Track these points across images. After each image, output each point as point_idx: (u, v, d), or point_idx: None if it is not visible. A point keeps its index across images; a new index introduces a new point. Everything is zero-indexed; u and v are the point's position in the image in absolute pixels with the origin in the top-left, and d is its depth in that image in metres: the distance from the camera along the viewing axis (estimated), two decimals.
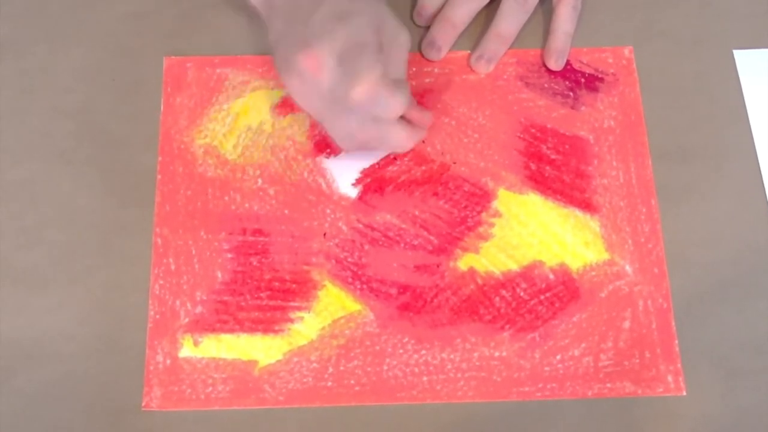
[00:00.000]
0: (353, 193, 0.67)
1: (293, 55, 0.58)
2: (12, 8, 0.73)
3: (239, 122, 0.69)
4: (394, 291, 0.64)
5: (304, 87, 0.59)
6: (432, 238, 0.65)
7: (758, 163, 0.68)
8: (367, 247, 0.65)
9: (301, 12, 0.59)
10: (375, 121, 0.61)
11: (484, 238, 0.66)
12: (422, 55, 0.71)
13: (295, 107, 0.68)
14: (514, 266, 0.65)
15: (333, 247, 0.65)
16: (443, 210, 0.66)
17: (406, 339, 0.63)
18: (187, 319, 0.63)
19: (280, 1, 0.62)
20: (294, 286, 0.64)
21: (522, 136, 0.69)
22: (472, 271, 0.65)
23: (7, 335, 0.63)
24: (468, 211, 0.66)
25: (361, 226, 0.66)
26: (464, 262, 0.65)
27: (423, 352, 0.63)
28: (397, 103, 0.59)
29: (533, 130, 0.69)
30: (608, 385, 0.62)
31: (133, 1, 0.73)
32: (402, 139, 0.64)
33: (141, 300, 0.64)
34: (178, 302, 0.63)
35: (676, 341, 0.63)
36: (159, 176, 0.67)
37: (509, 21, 0.70)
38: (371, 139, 0.63)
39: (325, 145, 0.68)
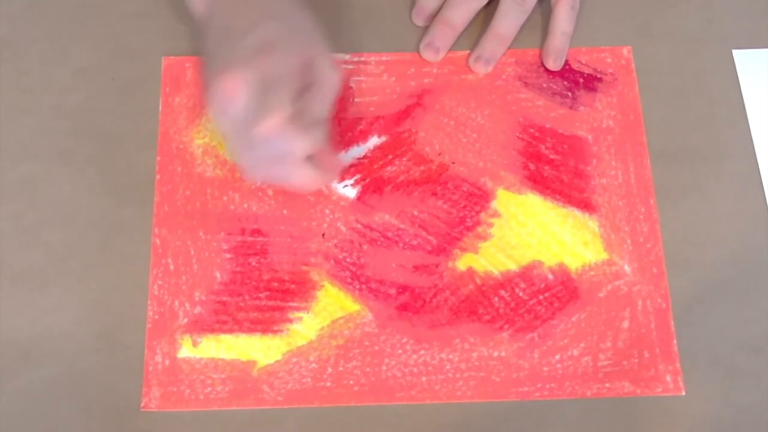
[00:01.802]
0: (352, 193, 0.67)
1: (213, 77, 0.57)
2: (12, 8, 0.73)
3: None
4: (393, 291, 0.64)
5: (220, 109, 0.58)
6: (431, 238, 0.65)
7: (757, 163, 0.68)
8: (365, 247, 0.65)
9: (233, 35, 0.59)
10: (280, 158, 0.60)
11: (483, 238, 0.66)
12: (421, 56, 0.71)
13: None
14: (513, 266, 0.65)
15: (332, 247, 0.65)
16: (442, 210, 0.66)
17: (405, 339, 0.63)
18: (186, 320, 0.63)
19: (219, 15, 0.62)
20: (293, 286, 0.64)
21: (521, 136, 0.69)
22: (470, 271, 0.65)
23: (7, 335, 0.63)
24: (467, 211, 0.66)
25: (359, 226, 0.66)
26: (463, 262, 0.65)
27: (422, 352, 0.63)
28: (301, 146, 0.58)
29: (532, 130, 0.69)
30: (607, 384, 0.62)
31: (133, 1, 0.73)
32: (307, 181, 0.63)
33: (140, 300, 0.64)
34: (176, 303, 0.63)
35: (675, 341, 0.63)
36: (158, 176, 0.67)
37: (508, 21, 0.70)
38: (275, 174, 0.62)
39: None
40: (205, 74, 0.60)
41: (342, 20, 0.72)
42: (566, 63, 0.71)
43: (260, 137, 0.57)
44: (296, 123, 0.57)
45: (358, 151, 0.68)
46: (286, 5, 0.62)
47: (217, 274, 0.64)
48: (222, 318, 0.63)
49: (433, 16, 0.71)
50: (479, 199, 0.67)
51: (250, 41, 0.58)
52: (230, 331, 0.63)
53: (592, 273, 0.65)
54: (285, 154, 0.59)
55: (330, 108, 0.62)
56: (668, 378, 0.62)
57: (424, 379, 0.62)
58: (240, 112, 0.57)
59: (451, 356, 0.63)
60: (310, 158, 0.61)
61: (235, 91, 0.56)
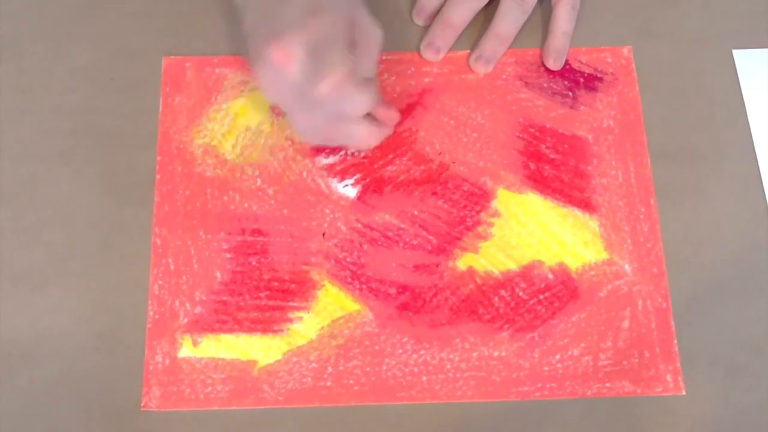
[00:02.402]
0: (352, 192, 0.67)
1: (264, 45, 0.57)
2: (12, 8, 0.73)
3: (238, 122, 0.69)
4: (393, 291, 0.64)
5: (273, 78, 0.58)
6: (431, 237, 0.65)
7: (757, 163, 0.68)
8: (366, 246, 0.65)
9: (275, 4, 0.59)
10: (340, 117, 0.61)
11: (483, 237, 0.66)
12: (421, 56, 0.71)
13: None
14: (513, 266, 0.65)
15: (332, 247, 0.65)
16: (442, 210, 0.66)
17: (405, 339, 0.63)
18: (186, 320, 0.63)
19: None
20: (293, 286, 0.64)
21: (521, 135, 0.69)
22: (471, 271, 0.65)
23: (7, 335, 0.63)
24: (467, 210, 0.66)
25: (360, 225, 0.66)
26: (463, 261, 0.65)
27: (422, 351, 0.63)
28: (363, 101, 0.59)
29: (532, 130, 0.69)
30: (607, 384, 0.62)
31: (133, 1, 0.73)
32: (366, 137, 0.64)
33: (140, 300, 0.64)
34: (177, 302, 0.63)
35: (675, 341, 0.63)
36: (158, 176, 0.67)
37: (508, 21, 0.70)
38: (335, 134, 0.63)
39: (324, 146, 0.68)
40: (251, 50, 0.60)
41: None
42: (566, 63, 0.71)
43: (322, 97, 0.57)
44: (354, 80, 0.58)
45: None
46: None
47: (218, 274, 0.64)
48: (222, 318, 0.63)
49: (434, 16, 0.71)
50: (479, 198, 0.67)
51: (293, 7, 0.58)
52: (230, 330, 0.63)
53: (593, 273, 0.65)
54: (346, 113, 0.60)
55: (377, 66, 0.63)
56: (668, 378, 0.62)
57: (424, 378, 0.62)
58: (297, 76, 0.57)
59: (451, 356, 0.63)
60: (367, 115, 0.62)
61: (290, 56, 0.56)
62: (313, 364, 0.62)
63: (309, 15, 0.57)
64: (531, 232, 0.66)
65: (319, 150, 0.68)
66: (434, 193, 0.67)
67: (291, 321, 0.63)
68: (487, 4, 0.71)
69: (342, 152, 0.68)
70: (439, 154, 0.68)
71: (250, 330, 0.63)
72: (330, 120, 0.61)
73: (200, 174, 0.67)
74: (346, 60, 0.57)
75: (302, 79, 0.57)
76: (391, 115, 0.66)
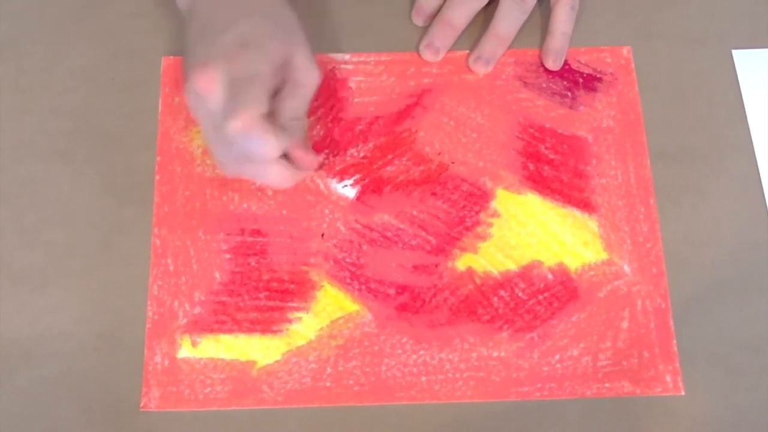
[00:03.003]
0: (351, 193, 0.67)
1: (192, 69, 0.57)
2: (12, 8, 0.73)
3: None
4: (392, 291, 0.64)
5: (196, 103, 0.58)
6: (430, 238, 0.65)
7: (756, 163, 0.68)
8: (365, 247, 0.65)
9: (214, 28, 0.59)
10: (252, 157, 0.59)
11: (483, 238, 0.66)
12: (420, 56, 0.71)
13: None
14: (512, 266, 0.65)
15: (331, 247, 0.65)
16: (441, 210, 0.66)
17: (405, 339, 0.63)
18: (185, 320, 0.63)
19: (200, 10, 0.62)
20: (292, 286, 0.64)
21: (520, 135, 0.69)
22: (470, 271, 0.65)
23: (7, 335, 0.63)
24: (466, 210, 0.66)
25: (359, 226, 0.66)
26: (462, 262, 0.65)
27: (421, 352, 0.63)
28: (269, 146, 0.58)
29: (532, 130, 0.69)
30: (607, 384, 0.62)
31: (133, 1, 0.73)
32: (277, 179, 0.62)
33: (140, 300, 0.64)
34: (176, 303, 0.63)
35: (675, 341, 0.63)
36: (157, 176, 0.67)
37: (507, 21, 0.70)
38: (247, 171, 0.62)
39: (323, 146, 0.68)
40: (184, 68, 0.60)
41: (342, 20, 0.72)
42: (566, 63, 0.71)
43: (230, 135, 0.57)
44: (268, 122, 0.57)
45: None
46: (270, 3, 0.62)
47: (217, 275, 0.64)
48: (221, 318, 0.63)
49: (433, 16, 0.71)
50: (479, 198, 0.67)
51: (227, 37, 0.58)
52: (230, 331, 0.63)
53: (592, 273, 0.65)
54: (255, 153, 0.59)
55: (308, 107, 0.62)
56: (668, 378, 0.62)
57: (423, 379, 0.62)
58: (214, 108, 0.57)
59: (450, 356, 0.63)
60: (284, 156, 0.61)
61: (209, 87, 0.56)
62: (313, 365, 0.62)
63: (237, 48, 0.57)
64: (530, 232, 0.66)
65: (318, 150, 0.67)
66: (433, 194, 0.67)
67: (290, 321, 0.63)
68: (487, 5, 0.71)
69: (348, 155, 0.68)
70: (439, 154, 0.68)
71: (250, 330, 0.63)
72: (242, 156, 0.60)
73: (200, 174, 0.67)
74: (259, 101, 0.57)
75: (219, 112, 0.57)
76: (310, 159, 0.64)
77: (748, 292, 0.64)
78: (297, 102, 0.61)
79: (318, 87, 0.62)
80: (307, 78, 0.61)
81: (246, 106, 0.56)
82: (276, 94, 0.59)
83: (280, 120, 0.59)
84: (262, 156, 0.59)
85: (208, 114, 0.58)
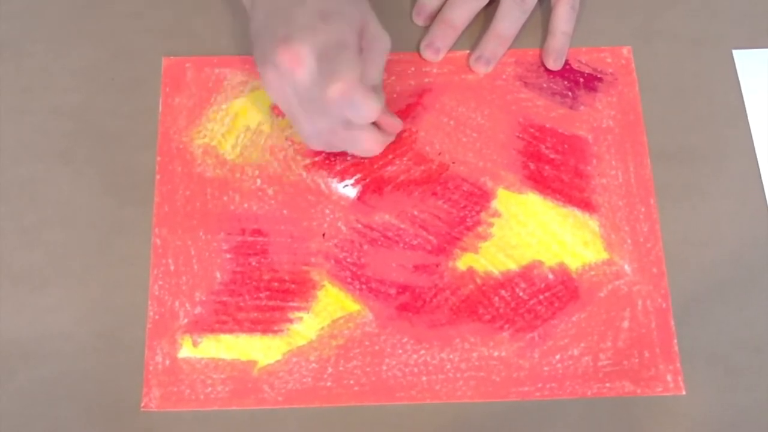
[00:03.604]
0: (352, 193, 0.67)
1: (272, 48, 0.57)
2: (12, 8, 0.73)
3: (238, 122, 0.69)
4: (393, 291, 0.64)
5: (280, 81, 0.58)
6: (431, 238, 0.65)
7: (757, 163, 0.68)
8: (366, 247, 0.65)
9: (285, 6, 0.59)
10: (346, 124, 0.60)
11: (483, 237, 0.66)
12: (421, 56, 0.71)
13: None
14: (513, 266, 0.65)
15: (332, 247, 0.65)
16: (442, 210, 0.66)
17: (405, 339, 0.63)
18: (186, 320, 0.63)
19: None
20: (293, 286, 0.64)
21: (521, 135, 0.69)
22: (471, 271, 0.65)
23: (7, 335, 0.63)
24: (467, 210, 0.66)
25: (360, 226, 0.66)
26: (463, 261, 0.65)
27: (422, 352, 0.63)
28: (371, 108, 0.58)
29: (532, 130, 0.69)
30: (607, 384, 0.62)
31: (132, 1, 0.73)
32: (370, 145, 0.64)
33: (140, 300, 0.64)
34: (177, 303, 0.63)
35: (675, 341, 0.63)
36: (158, 176, 0.67)
37: (508, 21, 0.70)
38: (339, 140, 0.63)
39: (325, 150, 0.68)
40: (257, 51, 0.60)
41: None
42: (566, 63, 0.71)
43: (329, 103, 0.57)
44: (362, 86, 0.57)
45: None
46: None
47: (218, 274, 0.64)
48: (222, 318, 0.63)
49: (434, 16, 0.72)
50: (479, 198, 0.67)
51: (304, 11, 0.58)
52: (230, 331, 0.63)
53: (593, 273, 0.65)
54: (350, 120, 0.59)
55: (383, 71, 0.62)
56: (668, 378, 0.62)
57: (424, 378, 0.62)
58: (306, 80, 0.57)
59: (451, 356, 0.63)
60: (372, 123, 0.62)
61: (299, 60, 0.56)
62: (313, 365, 0.62)
63: (320, 19, 0.57)
64: (531, 232, 0.66)
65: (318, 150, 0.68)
66: (434, 194, 0.67)
67: (291, 321, 0.63)
68: (487, 5, 0.71)
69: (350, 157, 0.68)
70: (439, 154, 0.68)
71: (250, 330, 0.63)
72: (335, 126, 0.61)
73: (200, 174, 0.67)
74: (355, 66, 0.57)
75: (310, 84, 0.57)
76: (395, 123, 0.66)
77: (749, 292, 0.65)
78: (375, 67, 0.61)
79: (389, 51, 0.62)
80: (382, 42, 0.61)
81: (342, 72, 0.56)
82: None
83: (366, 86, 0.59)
84: (364, 118, 0.59)
85: (296, 89, 0.58)
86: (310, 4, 0.58)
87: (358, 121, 0.60)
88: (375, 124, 0.63)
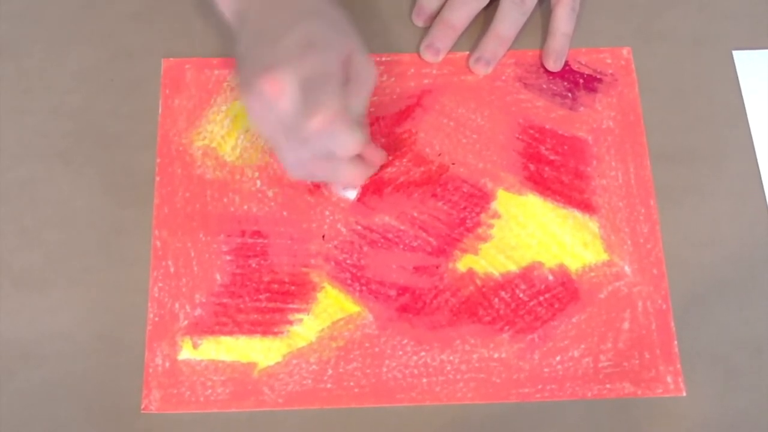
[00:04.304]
0: (352, 194, 0.67)
1: (256, 75, 0.56)
2: (11, 8, 0.73)
3: (238, 124, 0.69)
4: (393, 293, 0.64)
5: (262, 109, 0.57)
6: (431, 239, 0.65)
7: (757, 164, 0.68)
8: (366, 248, 0.65)
9: (272, 32, 0.58)
10: (328, 155, 0.60)
11: (483, 239, 0.66)
12: (421, 57, 0.71)
13: None
14: (513, 267, 0.65)
15: (332, 248, 0.65)
16: (442, 211, 0.66)
17: (406, 341, 0.63)
18: (186, 322, 0.63)
19: (253, 16, 0.61)
20: (293, 288, 0.64)
21: (521, 137, 0.69)
22: (471, 273, 0.65)
23: (7, 335, 0.63)
24: (467, 212, 0.66)
25: (360, 227, 0.66)
26: (463, 263, 0.65)
27: (422, 353, 0.63)
28: (353, 141, 0.58)
29: (532, 131, 0.69)
30: (608, 386, 0.62)
31: (132, 2, 0.73)
32: (352, 177, 0.63)
33: (140, 301, 0.64)
34: (177, 305, 0.63)
35: (676, 342, 0.63)
36: (157, 178, 0.67)
37: (508, 22, 0.70)
38: (321, 171, 0.62)
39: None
40: (241, 76, 0.60)
41: None
42: (566, 64, 0.71)
43: (311, 134, 0.57)
44: (345, 118, 0.57)
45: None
46: (321, 3, 0.62)
47: (218, 276, 0.64)
48: (222, 320, 0.63)
49: (434, 17, 0.71)
50: (479, 200, 0.67)
51: (290, 39, 0.57)
52: (230, 333, 0.63)
53: (593, 274, 0.65)
54: (333, 151, 0.59)
55: (368, 103, 0.62)
56: (669, 379, 0.62)
57: (424, 380, 0.62)
58: (288, 110, 0.56)
59: (451, 357, 0.63)
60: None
61: (281, 90, 0.55)
62: (313, 366, 0.62)
63: (304, 49, 0.57)
64: (531, 233, 0.66)
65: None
66: (434, 195, 0.67)
67: (291, 323, 0.63)
68: (487, 6, 0.71)
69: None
70: (439, 155, 0.68)
71: (250, 332, 0.63)
72: (317, 157, 0.60)
73: (200, 176, 0.67)
74: (338, 98, 0.56)
75: (293, 114, 0.56)
76: (378, 155, 0.65)
77: (749, 292, 0.65)
78: (360, 99, 0.60)
79: (375, 83, 0.62)
80: (368, 74, 0.61)
81: (324, 104, 0.56)
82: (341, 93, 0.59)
83: (348, 118, 0.59)
84: (346, 151, 0.59)
85: (278, 118, 0.57)
86: (297, 32, 0.57)
87: (340, 154, 0.59)
88: (358, 155, 0.62)
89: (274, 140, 0.60)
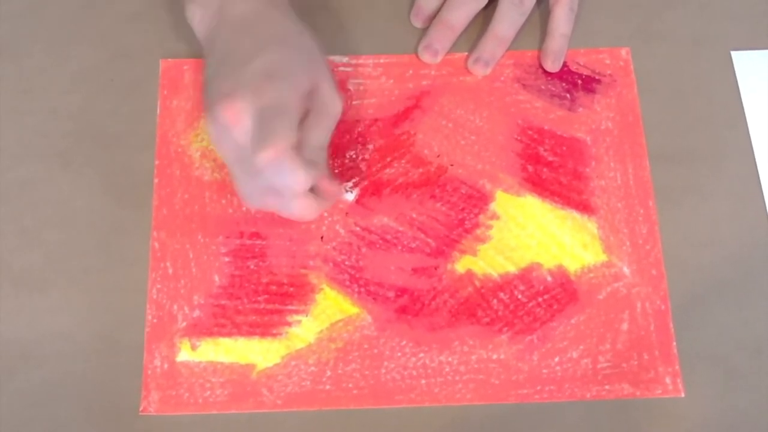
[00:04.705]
0: (350, 196, 0.67)
1: (216, 101, 0.56)
2: (11, 8, 0.73)
3: None
4: (391, 294, 0.64)
5: (220, 136, 0.57)
6: (429, 240, 0.65)
7: (756, 164, 0.68)
8: (364, 250, 0.65)
9: (235, 60, 0.58)
10: (280, 189, 0.59)
11: (482, 240, 0.65)
12: (419, 58, 0.71)
13: None
14: (511, 268, 0.65)
15: (330, 250, 0.65)
16: (441, 212, 0.66)
17: (404, 342, 0.63)
18: (184, 323, 0.63)
19: (219, 43, 0.61)
20: (291, 289, 0.64)
21: (519, 138, 0.69)
22: (469, 274, 0.65)
23: (6, 336, 0.63)
24: (465, 213, 0.66)
25: (358, 229, 0.66)
26: (462, 264, 0.65)
27: (421, 355, 0.63)
28: (300, 179, 0.57)
29: (530, 132, 0.69)
30: (607, 387, 0.62)
31: (131, 2, 0.73)
32: (303, 211, 0.61)
33: (139, 303, 0.64)
34: (175, 306, 0.63)
35: (675, 343, 0.63)
36: (156, 180, 0.67)
37: (507, 23, 0.70)
38: (273, 203, 0.61)
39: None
40: (206, 97, 0.60)
41: (340, 22, 0.72)
42: (565, 64, 0.71)
43: (260, 167, 0.56)
44: (297, 155, 0.56)
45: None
46: (291, 30, 0.62)
47: (216, 278, 0.64)
48: (221, 321, 0.63)
49: (432, 18, 0.71)
50: (478, 201, 0.67)
51: (253, 68, 0.57)
52: (229, 334, 0.63)
53: (591, 275, 0.65)
54: (284, 186, 0.58)
55: (330, 136, 0.61)
56: (668, 380, 0.62)
57: (423, 381, 0.62)
58: (242, 140, 0.56)
59: (450, 359, 0.63)
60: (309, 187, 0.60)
61: (236, 118, 0.55)
62: (312, 368, 0.62)
63: (265, 79, 0.57)
64: (529, 234, 0.66)
65: None
66: (432, 196, 0.67)
67: (289, 324, 0.63)
68: (486, 6, 0.71)
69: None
70: (438, 156, 0.68)
71: (249, 334, 0.63)
72: (269, 189, 0.59)
73: (198, 177, 0.67)
74: (290, 133, 0.56)
75: (245, 144, 0.56)
76: (334, 190, 0.64)
77: (748, 293, 0.64)
78: (321, 131, 0.60)
79: (339, 116, 0.61)
80: (332, 107, 0.60)
81: (275, 138, 0.55)
82: (300, 123, 0.58)
83: (305, 149, 0.58)
84: (291, 188, 0.58)
85: (234, 146, 0.57)
86: (259, 62, 0.57)
87: (288, 190, 0.58)
88: (313, 189, 0.61)
89: (230, 167, 0.60)
